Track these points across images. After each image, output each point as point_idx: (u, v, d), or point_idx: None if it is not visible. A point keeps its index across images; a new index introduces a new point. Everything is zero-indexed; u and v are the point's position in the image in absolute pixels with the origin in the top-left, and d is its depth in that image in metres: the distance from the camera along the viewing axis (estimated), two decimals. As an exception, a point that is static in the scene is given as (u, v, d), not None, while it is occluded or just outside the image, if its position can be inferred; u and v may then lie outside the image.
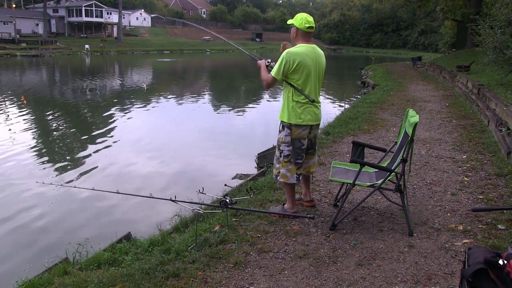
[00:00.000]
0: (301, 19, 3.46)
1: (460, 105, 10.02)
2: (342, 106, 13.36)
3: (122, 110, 14.06)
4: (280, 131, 3.61)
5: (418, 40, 65.11)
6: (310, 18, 3.49)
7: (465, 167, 5.11)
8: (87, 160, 8.29)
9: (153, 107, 14.93)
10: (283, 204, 3.86)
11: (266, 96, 18.08)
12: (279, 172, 3.63)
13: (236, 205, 3.59)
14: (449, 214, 3.75)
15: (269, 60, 3.70)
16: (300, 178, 3.69)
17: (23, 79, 24.14)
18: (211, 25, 74.08)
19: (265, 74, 3.62)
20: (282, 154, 3.60)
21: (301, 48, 3.46)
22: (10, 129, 10.83)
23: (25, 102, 15.63)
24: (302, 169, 3.66)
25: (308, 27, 3.46)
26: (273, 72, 3.50)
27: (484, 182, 4.57)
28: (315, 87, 3.53)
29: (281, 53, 3.50)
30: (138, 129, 11.24)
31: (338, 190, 4.00)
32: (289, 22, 3.56)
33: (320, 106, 3.64)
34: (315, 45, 3.55)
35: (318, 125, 3.68)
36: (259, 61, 3.76)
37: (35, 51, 40.92)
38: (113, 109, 14.37)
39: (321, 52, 3.60)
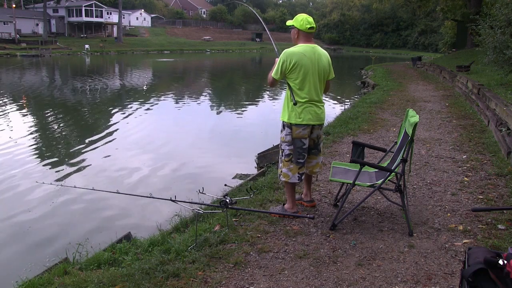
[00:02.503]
0: (302, 20, 3.47)
1: (460, 105, 10.02)
2: (342, 106, 13.37)
3: (122, 110, 14.05)
4: (281, 131, 3.63)
5: (418, 40, 65.12)
6: (311, 19, 3.51)
7: (465, 167, 5.11)
8: (87, 160, 8.29)
9: (153, 107, 14.92)
10: (283, 204, 3.86)
11: (266, 96, 18.10)
12: (281, 172, 3.65)
13: (236, 205, 3.59)
14: (449, 214, 3.75)
15: None
16: (303, 177, 3.69)
17: (23, 79, 24.13)
18: (211, 25, 74.14)
19: (270, 73, 3.63)
20: (283, 153, 3.61)
21: (299, 48, 3.47)
22: (10, 129, 10.83)
23: (25, 102, 15.63)
24: (304, 168, 3.66)
25: (309, 28, 3.47)
26: (273, 72, 3.54)
27: (484, 182, 4.57)
28: (315, 86, 3.52)
29: None
30: (138, 129, 11.24)
31: (338, 190, 4.00)
32: (289, 23, 3.56)
33: (323, 106, 3.62)
34: (316, 45, 3.54)
35: (321, 125, 3.66)
36: (276, 58, 3.74)
37: (35, 51, 40.92)
38: (113, 109, 14.37)
39: (323, 52, 3.58)
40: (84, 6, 53.27)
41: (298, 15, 3.57)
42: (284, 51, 3.46)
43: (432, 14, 49.38)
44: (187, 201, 3.46)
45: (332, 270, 2.88)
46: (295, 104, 3.47)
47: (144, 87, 21.37)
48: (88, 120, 12.95)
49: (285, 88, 3.65)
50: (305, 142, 3.57)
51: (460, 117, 8.50)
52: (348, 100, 14.98)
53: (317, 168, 3.80)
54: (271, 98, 17.46)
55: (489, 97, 7.56)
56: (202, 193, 3.45)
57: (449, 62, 20.54)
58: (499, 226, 3.45)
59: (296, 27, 3.50)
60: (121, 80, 25.05)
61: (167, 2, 77.63)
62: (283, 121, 3.59)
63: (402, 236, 3.35)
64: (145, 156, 8.44)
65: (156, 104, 15.66)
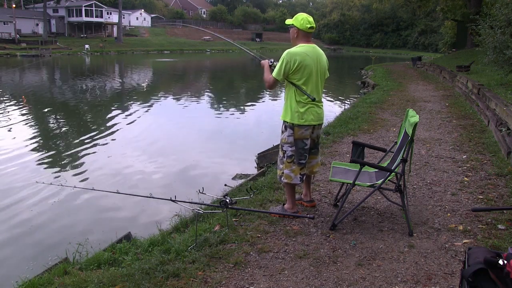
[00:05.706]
0: (302, 20, 3.46)
1: (460, 105, 10.02)
2: (342, 106, 13.36)
3: (122, 110, 14.05)
4: (282, 132, 3.61)
5: (418, 40, 65.12)
6: (311, 18, 3.50)
7: (465, 167, 5.11)
8: (87, 160, 8.29)
9: (153, 107, 14.92)
10: (283, 204, 3.86)
11: (266, 96, 18.09)
12: (282, 173, 3.62)
13: (236, 205, 3.59)
14: (449, 214, 3.75)
15: (272, 60, 3.70)
16: (304, 178, 3.69)
17: (23, 79, 24.12)
18: (211, 25, 74.11)
19: (267, 75, 3.61)
20: (285, 155, 3.59)
21: (301, 48, 3.46)
22: (10, 130, 10.83)
23: (25, 102, 15.63)
24: (305, 169, 3.66)
25: (310, 27, 3.46)
26: (274, 73, 3.50)
27: (484, 182, 4.57)
28: (316, 86, 3.53)
29: None
30: (138, 129, 11.24)
31: (338, 190, 4.00)
32: (289, 22, 3.55)
33: (322, 106, 3.64)
34: (315, 45, 3.55)
35: (321, 125, 3.68)
36: (262, 61, 3.75)
37: (35, 51, 40.90)
38: (113, 109, 14.37)
39: (321, 51, 3.61)
40: (84, 6, 53.26)
41: (298, 14, 3.55)
42: (287, 51, 3.44)
43: (432, 14, 49.38)
44: (187, 201, 3.46)
45: (332, 270, 2.88)
46: (313, 100, 3.45)
47: (144, 87, 21.36)
48: (88, 120, 12.94)
49: (285, 87, 3.65)
50: (307, 142, 3.56)
51: (460, 117, 8.50)
52: (348, 100, 14.98)
53: (316, 168, 3.82)
54: (271, 98, 17.45)
55: (489, 97, 7.56)
56: (202, 193, 3.45)
57: (449, 62, 20.54)
58: (499, 226, 3.45)
59: (296, 27, 3.48)
60: (121, 80, 25.03)
61: (167, 2, 77.64)
62: (285, 121, 3.56)
63: (402, 236, 3.35)
64: (145, 156, 8.43)
65: (156, 104, 15.66)
